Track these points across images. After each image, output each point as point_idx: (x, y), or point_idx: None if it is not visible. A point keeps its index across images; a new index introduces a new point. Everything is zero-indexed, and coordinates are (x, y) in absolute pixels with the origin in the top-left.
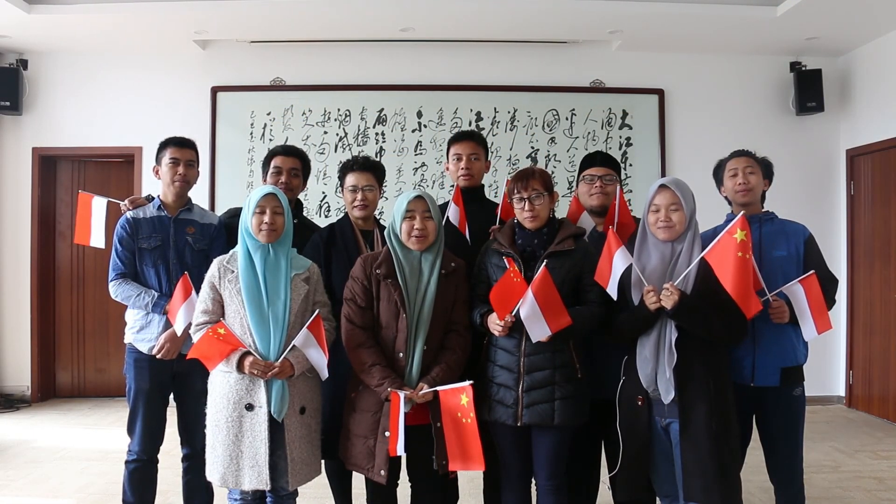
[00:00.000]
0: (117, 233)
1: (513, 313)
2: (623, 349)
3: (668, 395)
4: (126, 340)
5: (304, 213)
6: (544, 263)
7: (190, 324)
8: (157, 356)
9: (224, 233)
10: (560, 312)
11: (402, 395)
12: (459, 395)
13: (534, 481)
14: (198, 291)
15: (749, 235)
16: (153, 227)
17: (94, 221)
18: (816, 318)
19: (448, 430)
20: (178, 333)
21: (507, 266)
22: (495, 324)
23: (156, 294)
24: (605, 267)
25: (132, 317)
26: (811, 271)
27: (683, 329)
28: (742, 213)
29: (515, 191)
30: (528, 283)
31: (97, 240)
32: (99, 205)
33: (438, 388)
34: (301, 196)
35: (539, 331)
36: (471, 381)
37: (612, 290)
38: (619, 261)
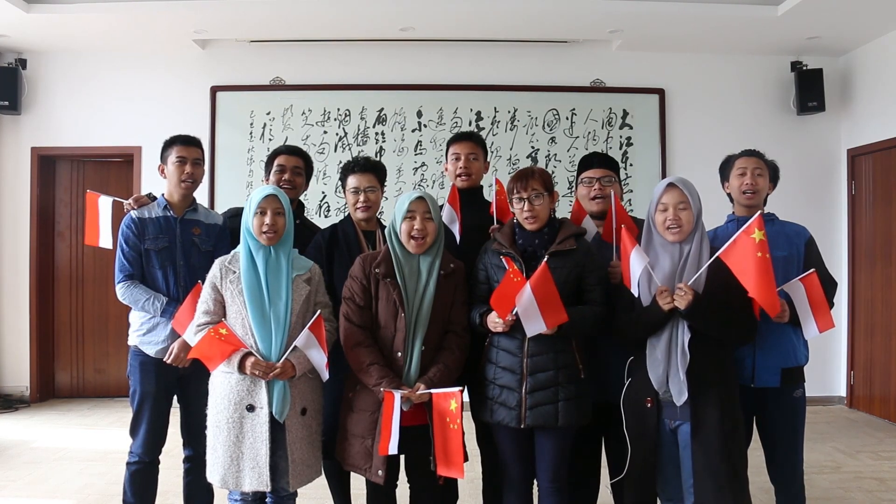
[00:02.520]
0: (123, 233)
1: (513, 313)
2: (624, 350)
3: (680, 396)
4: (130, 343)
5: (304, 214)
6: (545, 259)
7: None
8: (169, 362)
9: (228, 233)
10: (557, 309)
11: (396, 394)
12: (450, 400)
13: (535, 482)
14: None
15: (766, 235)
16: (159, 227)
17: (102, 221)
18: (818, 316)
19: (437, 433)
20: (192, 343)
21: (507, 267)
22: (495, 322)
23: (165, 300)
24: (626, 268)
25: (138, 319)
26: (812, 269)
27: (695, 330)
28: (759, 213)
29: (515, 191)
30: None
31: (105, 240)
32: (105, 204)
33: (432, 391)
34: (301, 196)
35: (534, 326)
36: (460, 388)
37: (635, 290)
38: (635, 261)
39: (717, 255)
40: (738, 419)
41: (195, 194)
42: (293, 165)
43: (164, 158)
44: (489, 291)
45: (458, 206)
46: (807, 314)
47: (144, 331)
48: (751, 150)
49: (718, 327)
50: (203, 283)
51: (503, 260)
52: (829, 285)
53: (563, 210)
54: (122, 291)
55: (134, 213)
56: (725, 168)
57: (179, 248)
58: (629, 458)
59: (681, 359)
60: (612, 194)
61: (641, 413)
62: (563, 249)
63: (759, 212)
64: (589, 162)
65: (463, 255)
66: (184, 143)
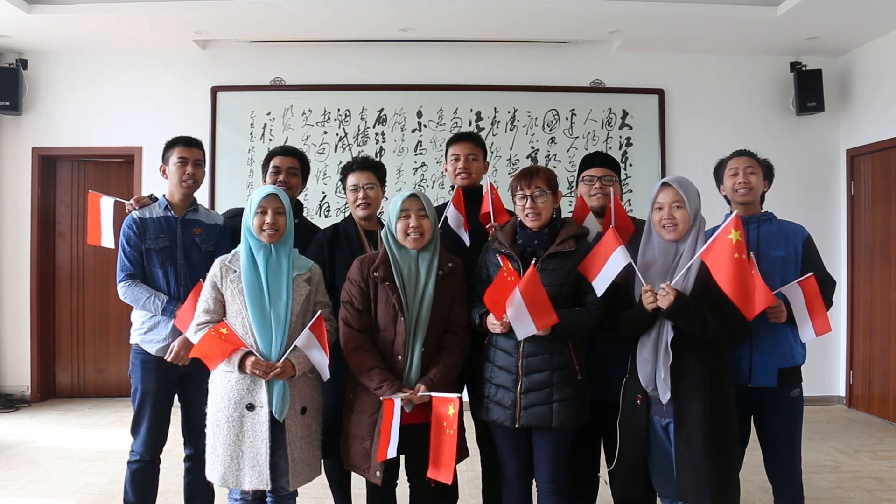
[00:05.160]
0: (124, 233)
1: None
2: (624, 349)
3: (665, 394)
4: (132, 341)
5: (305, 214)
6: (533, 261)
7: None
8: (169, 360)
9: (229, 233)
10: (546, 310)
11: (396, 400)
12: (448, 405)
13: (534, 482)
14: None
15: (743, 235)
16: (160, 227)
17: (104, 221)
18: (815, 320)
19: (432, 435)
20: (194, 341)
21: (502, 264)
22: (493, 324)
23: (166, 298)
24: (597, 262)
25: (139, 318)
26: (810, 273)
27: (681, 329)
28: (735, 212)
29: (518, 188)
30: None
31: (107, 240)
32: (107, 204)
33: (432, 394)
34: (301, 196)
35: (524, 328)
36: (458, 395)
37: (600, 288)
38: (617, 260)
39: (697, 255)
40: (727, 420)
41: (196, 194)
42: (288, 166)
43: (165, 159)
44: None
45: (465, 210)
46: (804, 318)
47: (145, 329)
48: (742, 150)
49: (701, 327)
50: (204, 282)
51: (499, 258)
52: (828, 285)
53: (564, 210)
54: (122, 290)
55: (135, 214)
56: (719, 171)
57: (180, 248)
58: (617, 451)
59: (664, 357)
60: (611, 192)
61: (633, 409)
62: (561, 251)
63: (735, 212)
64: (590, 161)
65: (464, 255)
66: (185, 145)
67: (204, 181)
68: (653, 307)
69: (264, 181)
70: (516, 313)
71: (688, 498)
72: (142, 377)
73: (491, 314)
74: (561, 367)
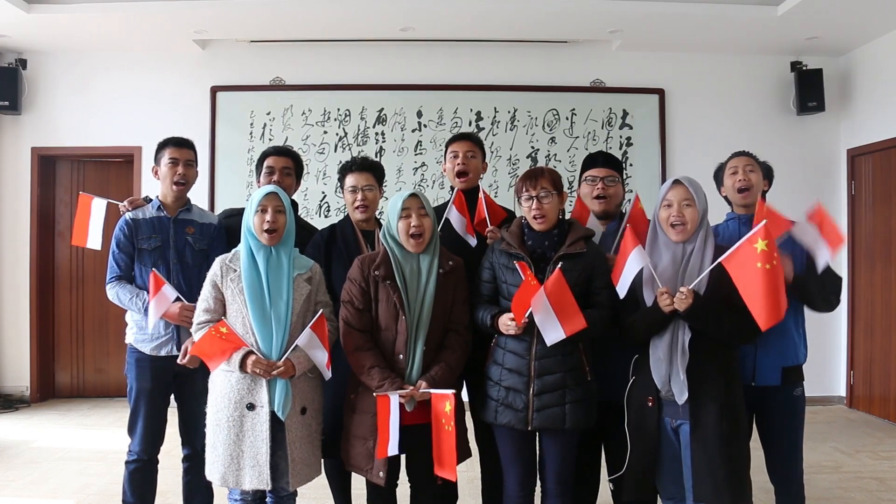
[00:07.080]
0: (116, 235)
1: (527, 315)
2: (627, 350)
3: (682, 395)
4: (127, 341)
5: (305, 214)
6: (559, 265)
7: (163, 314)
8: (181, 363)
9: (224, 233)
10: (574, 314)
11: (393, 397)
12: (444, 402)
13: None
14: (193, 291)
15: (772, 244)
16: (153, 227)
17: (93, 223)
18: (829, 242)
19: (434, 433)
20: (150, 329)
21: (519, 270)
22: (507, 325)
23: (147, 297)
24: (618, 265)
25: (132, 317)
26: (816, 201)
27: (696, 330)
28: (764, 221)
29: (524, 189)
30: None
31: (94, 241)
32: (98, 206)
33: (430, 391)
34: (301, 196)
35: (553, 334)
36: (454, 391)
37: (622, 290)
38: (634, 260)
39: (718, 260)
40: (740, 420)
41: (193, 194)
42: (282, 166)
43: (157, 160)
44: (494, 290)
45: (467, 212)
46: (819, 244)
47: (138, 328)
48: (740, 151)
49: (717, 329)
50: (158, 273)
51: (517, 265)
52: (834, 280)
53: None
54: (110, 292)
55: (128, 215)
56: (718, 174)
57: (172, 247)
58: (628, 455)
59: (681, 358)
60: (620, 191)
61: (643, 412)
62: (572, 252)
63: (764, 221)
64: (593, 161)
65: (465, 254)
66: (175, 145)
67: (204, 181)
68: (670, 310)
69: (258, 181)
70: (544, 318)
71: (704, 499)
72: (136, 376)
73: (504, 316)
74: (572, 369)
